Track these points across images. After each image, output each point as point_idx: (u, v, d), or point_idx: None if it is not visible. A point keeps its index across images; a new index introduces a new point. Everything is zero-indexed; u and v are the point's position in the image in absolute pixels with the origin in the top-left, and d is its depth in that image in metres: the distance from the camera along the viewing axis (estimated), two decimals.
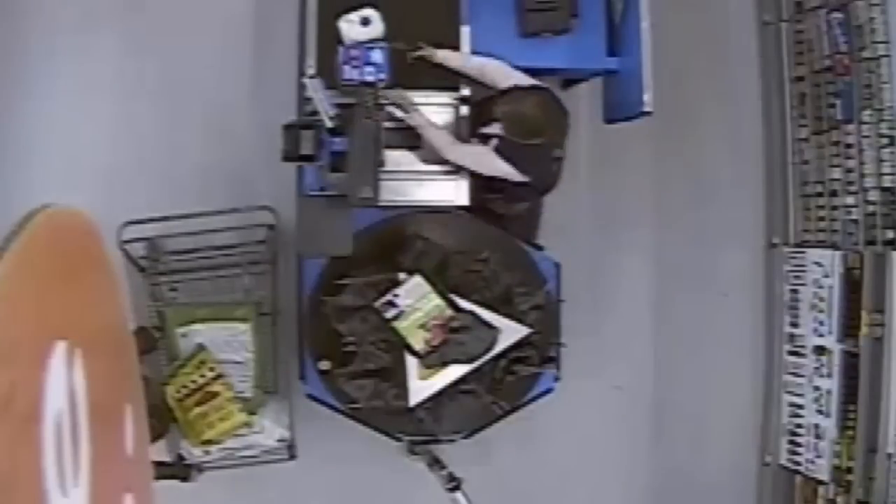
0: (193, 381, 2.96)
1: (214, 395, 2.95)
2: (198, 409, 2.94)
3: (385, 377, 3.03)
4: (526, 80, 2.82)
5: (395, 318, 2.91)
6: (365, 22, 2.82)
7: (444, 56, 2.89)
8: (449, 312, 2.93)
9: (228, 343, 3.07)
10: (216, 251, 3.20)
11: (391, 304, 2.91)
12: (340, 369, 3.02)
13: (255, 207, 3.21)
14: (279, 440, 3.10)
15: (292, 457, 3.21)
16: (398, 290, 2.91)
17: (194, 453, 3.03)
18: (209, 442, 2.97)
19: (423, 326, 2.92)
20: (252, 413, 3.00)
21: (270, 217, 3.24)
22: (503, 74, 2.84)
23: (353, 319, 3.01)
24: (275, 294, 3.22)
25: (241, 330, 3.08)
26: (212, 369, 2.98)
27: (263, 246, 3.23)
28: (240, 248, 3.20)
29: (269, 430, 3.05)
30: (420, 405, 3.00)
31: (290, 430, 3.13)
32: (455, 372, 2.99)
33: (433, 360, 2.95)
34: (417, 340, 2.93)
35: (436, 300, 2.92)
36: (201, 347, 3.02)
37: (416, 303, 2.91)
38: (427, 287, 2.92)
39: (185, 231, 3.16)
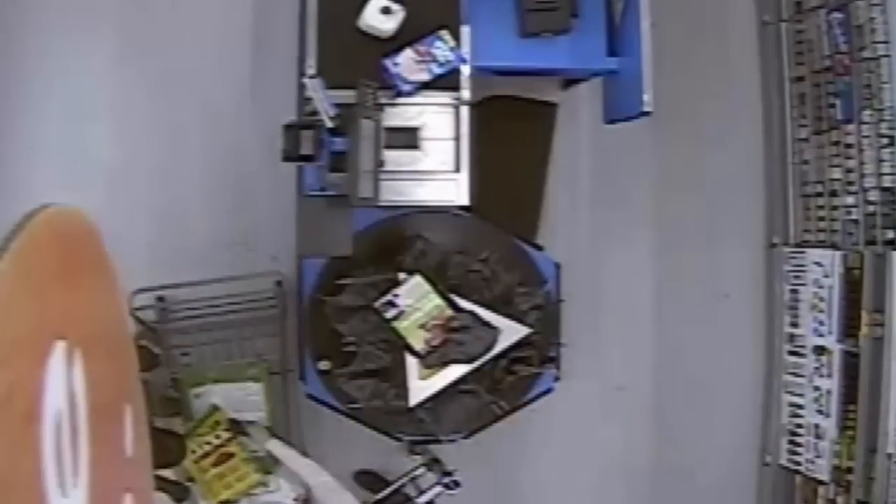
0: (209, 443, 2.96)
1: (230, 455, 2.95)
2: (214, 470, 2.95)
3: (385, 377, 3.03)
4: None
5: (395, 318, 2.91)
6: (385, 11, 2.80)
7: None
8: (449, 312, 2.93)
9: (242, 401, 3.09)
10: (226, 315, 3.16)
11: (391, 304, 2.91)
12: (340, 369, 3.02)
13: (260, 274, 3.21)
14: (295, 499, 3.09)
15: None
16: (398, 290, 2.91)
17: None
18: (226, 502, 2.98)
19: (423, 326, 2.92)
20: (267, 472, 3.00)
21: (278, 275, 3.24)
22: None
23: (353, 319, 3.01)
24: (284, 352, 3.21)
25: (253, 390, 3.09)
26: (226, 430, 2.98)
27: (273, 302, 3.21)
28: (249, 311, 3.18)
29: (284, 489, 3.04)
30: (420, 405, 3.00)
31: (306, 488, 3.12)
32: (455, 372, 2.99)
33: (433, 360, 2.95)
34: (417, 340, 2.93)
35: (436, 300, 2.92)
36: (215, 408, 3.03)
37: (416, 303, 2.91)
38: (427, 287, 2.92)
39: (194, 297, 3.13)
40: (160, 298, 3.15)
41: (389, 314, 2.91)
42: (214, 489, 2.95)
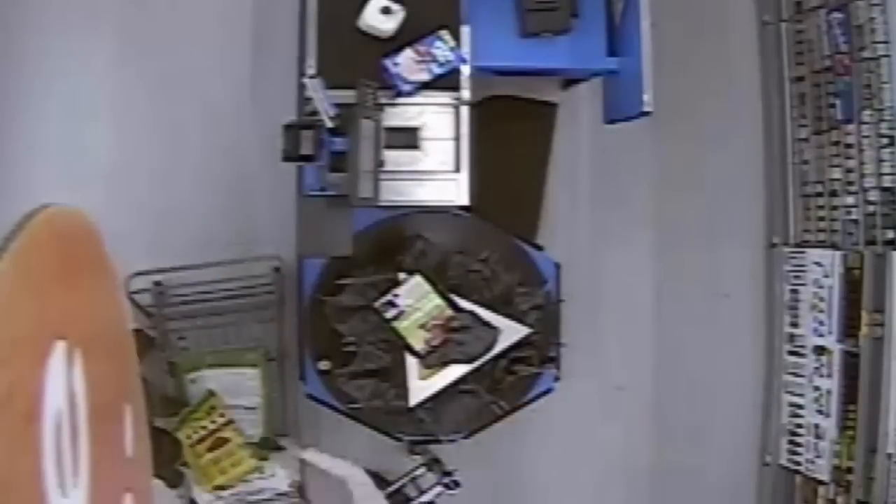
0: (204, 427, 2.96)
1: (225, 440, 2.95)
2: (209, 455, 2.94)
3: (385, 377, 3.03)
4: None
5: (395, 318, 2.91)
6: (385, 11, 2.80)
7: None
8: (449, 312, 2.93)
9: (238, 387, 3.08)
10: (224, 300, 3.16)
11: (391, 304, 2.91)
12: (340, 369, 3.02)
13: (258, 257, 3.20)
14: (291, 484, 3.09)
15: (304, 499, 3.19)
16: (398, 290, 2.91)
17: (205, 498, 3.02)
18: (221, 487, 2.97)
19: (423, 326, 2.92)
20: (263, 458, 2.99)
21: (276, 260, 3.24)
22: None
23: (353, 319, 3.02)
24: (281, 338, 3.20)
25: (250, 375, 3.08)
26: (222, 415, 2.98)
27: (270, 287, 3.20)
28: (247, 297, 3.17)
29: (280, 475, 3.04)
30: (420, 405, 3.00)
31: (301, 474, 3.11)
32: (455, 372, 2.99)
33: (433, 360, 2.95)
34: (417, 340, 2.93)
35: (436, 300, 2.92)
36: (211, 393, 3.03)
37: (416, 303, 2.91)
38: (427, 287, 2.92)
39: (192, 281, 3.12)
40: (157, 283, 3.14)
41: (389, 314, 2.91)
42: (209, 474, 2.93)
